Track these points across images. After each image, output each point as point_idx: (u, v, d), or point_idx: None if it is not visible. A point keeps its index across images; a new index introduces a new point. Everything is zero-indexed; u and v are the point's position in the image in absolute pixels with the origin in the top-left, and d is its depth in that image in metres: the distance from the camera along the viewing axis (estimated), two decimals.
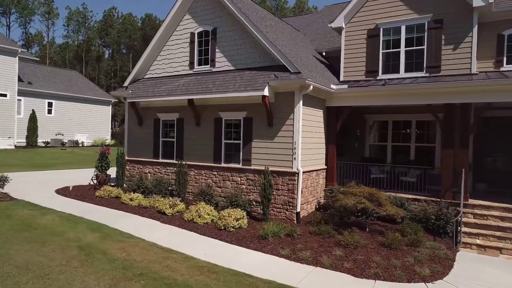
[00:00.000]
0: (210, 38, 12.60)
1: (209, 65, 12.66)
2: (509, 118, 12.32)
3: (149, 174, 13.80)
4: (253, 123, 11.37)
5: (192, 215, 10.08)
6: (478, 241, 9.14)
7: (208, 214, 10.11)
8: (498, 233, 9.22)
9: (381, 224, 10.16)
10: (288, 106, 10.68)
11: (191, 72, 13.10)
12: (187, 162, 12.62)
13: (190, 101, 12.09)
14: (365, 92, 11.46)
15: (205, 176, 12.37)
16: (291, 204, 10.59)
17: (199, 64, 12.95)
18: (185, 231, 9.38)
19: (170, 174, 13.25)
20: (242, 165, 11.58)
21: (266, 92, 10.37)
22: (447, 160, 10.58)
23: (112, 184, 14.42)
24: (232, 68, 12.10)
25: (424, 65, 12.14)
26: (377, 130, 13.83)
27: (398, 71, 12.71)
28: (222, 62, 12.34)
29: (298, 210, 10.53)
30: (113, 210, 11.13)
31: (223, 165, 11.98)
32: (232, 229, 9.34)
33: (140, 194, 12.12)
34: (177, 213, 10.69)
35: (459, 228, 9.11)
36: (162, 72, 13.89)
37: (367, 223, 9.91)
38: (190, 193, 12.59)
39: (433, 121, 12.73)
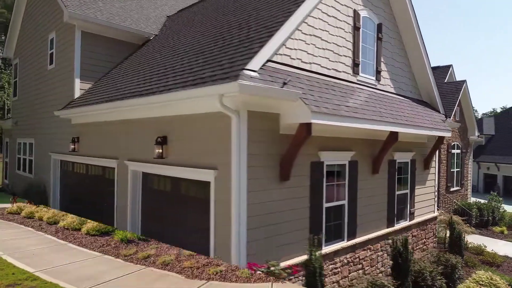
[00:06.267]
0: (375, 35, 7.94)
1: (374, 77, 7.93)
2: None
3: None
4: (416, 166, 9.25)
5: None
6: None
7: None
8: None
9: None
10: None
11: (354, 79, 7.30)
12: (359, 240, 7.28)
13: (393, 136, 7.28)
14: None
15: (370, 255, 7.73)
16: None
17: (363, 71, 7.60)
18: None
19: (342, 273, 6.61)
20: (409, 221, 8.93)
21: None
22: None
23: None
24: (393, 91, 8.64)
25: None
26: None
27: None
28: (385, 79, 8.35)
29: None
30: None
31: (396, 227, 8.37)
32: None
33: None
34: None
35: None
36: (308, 64, 6.26)
37: None
38: None
39: None
